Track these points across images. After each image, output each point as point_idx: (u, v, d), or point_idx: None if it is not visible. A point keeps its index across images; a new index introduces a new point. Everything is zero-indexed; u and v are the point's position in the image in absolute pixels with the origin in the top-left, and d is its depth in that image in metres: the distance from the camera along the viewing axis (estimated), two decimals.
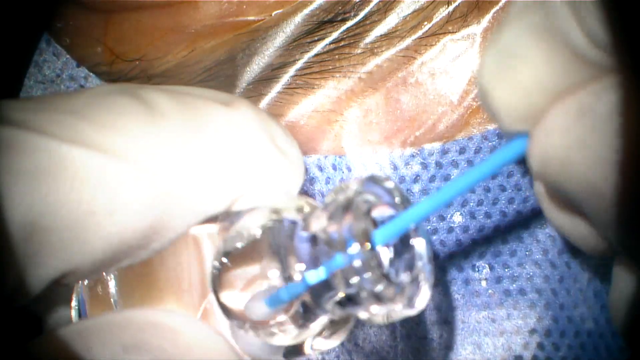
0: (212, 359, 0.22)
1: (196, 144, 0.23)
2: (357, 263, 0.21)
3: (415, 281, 0.22)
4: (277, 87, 0.33)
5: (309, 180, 0.33)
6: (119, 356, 0.21)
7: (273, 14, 0.34)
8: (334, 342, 0.24)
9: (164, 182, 0.22)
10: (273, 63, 0.33)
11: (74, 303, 0.26)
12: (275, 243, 0.22)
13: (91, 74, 0.35)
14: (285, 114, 0.33)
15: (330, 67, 0.33)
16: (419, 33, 0.32)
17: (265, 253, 0.23)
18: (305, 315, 0.23)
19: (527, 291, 0.34)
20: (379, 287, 0.21)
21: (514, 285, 0.34)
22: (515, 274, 0.34)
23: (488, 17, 0.32)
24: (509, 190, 0.33)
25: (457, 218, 0.33)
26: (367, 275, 0.21)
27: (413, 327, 0.34)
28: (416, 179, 0.33)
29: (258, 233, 0.23)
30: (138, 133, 0.22)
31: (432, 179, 0.33)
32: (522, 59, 0.19)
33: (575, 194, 0.19)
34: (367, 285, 0.21)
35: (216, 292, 0.23)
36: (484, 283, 0.34)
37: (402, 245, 0.22)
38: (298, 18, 0.33)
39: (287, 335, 0.23)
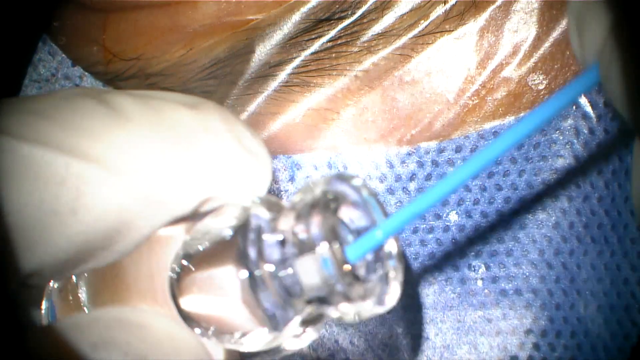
0: (180, 354, 0.22)
1: (162, 146, 0.22)
2: (326, 265, 0.21)
3: (384, 279, 0.22)
4: (274, 85, 0.33)
5: (305, 178, 0.33)
6: (88, 356, 0.20)
7: (271, 12, 0.34)
8: (305, 341, 0.24)
9: (128, 183, 0.22)
10: (270, 61, 0.33)
11: (44, 306, 0.26)
12: (242, 244, 0.22)
13: (86, 73, 0.35)
14: (281, 111, 0.33)
15: (327, 66, 0.33)
16: (416, 31, 0.32)
17: (231, 254, 0.22)
18: (276, 318, 0.22)
19: (523, 291, 0.34)
20: (349, 287, 0.21)
21: (510, 285, 0.34)
22: (511, 274, 0.34)
23: (485, 15, 0.32)
24: (506, 190, 0.33)
25: (453, 217, 0.33)
26: (337, 276, 0.21)
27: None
28: (412, 177, 0.33)
29: (224, 233, 0.22)
30: (103, 134, 0.22)
31: (428, 177, 0.33)
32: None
33: None
34: (336, 285, 0.21)
35: (175, 297, 0.22)
36: (480, 283, 0.34)
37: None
38: (296, 16, 0.33)
39: (258, 341, 0.23)
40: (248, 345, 0.23)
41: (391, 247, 0.22)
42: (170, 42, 0.35)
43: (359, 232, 0.22)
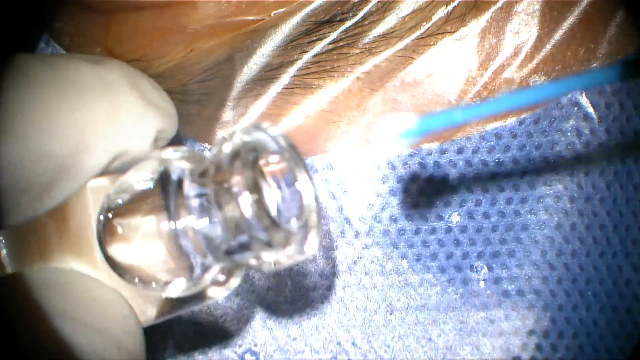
0: (102, 310, 0.22)
1: (64, 103, 0.23)
2: (247, 212, 0.21)
3: (304, 227, 0.22)
4: (276, 87, 0.33)
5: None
6: (13, 315, 0.20)
7: (272, 14, 0.34)
8: (228, 289, 0.24)
9: (30, 142, 0.22)
10: (271, 63, 0.33)
11: None
12: (163, 194, 0.22)
13: None
14: (283, 114, 0.33)
15: (329, 68, 0.33)
16: (418, 33, 0.32)
17: (153, 205, 0.23)
18: (195, 267, 0.23)
19: (525, 292, 0.34)
20: (269, 234, 0.21)
21: (513, 286, 0.34)
22: (513, 275, 0.34)
23: (486, 16, 0.32)
24: (508, 191, 0.33)
25: (455, 218, 0.33)
26: (258, 224, 0.21)
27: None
28: (414, 178, 0.33)
29: (145, 186, 0.23)
30: (10, 97, 0.22)
31: (430, 178, 0.33)
32: None
33: None
34: (258, 233, 0.21)
35: (102, 246, 0.23)
36: (482, 284, 0.34)
37: (290, 190, 0.23)
38: (297, 18, 0.33)
39: (179, 287, 0.23)
40: (170, 292, 0.23)
41: (308, 192, 0.22)
42: (171, 44, 0.35)
43: (278, 182, 0.22)
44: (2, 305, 0.21)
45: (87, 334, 0.20)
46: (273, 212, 0.22)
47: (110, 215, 0.23)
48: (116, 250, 0.23)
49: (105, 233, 0.23)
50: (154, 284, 0.23)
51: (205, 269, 0.23)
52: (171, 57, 0.35)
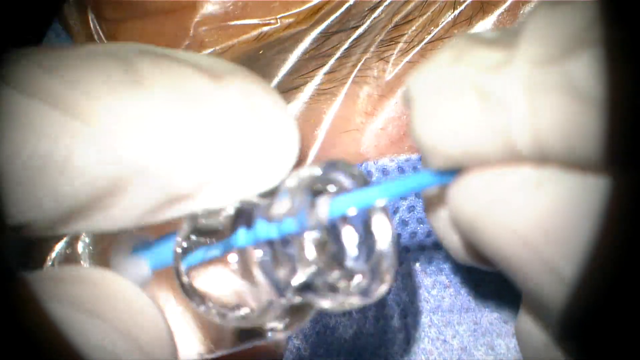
0: (132, 315, 0.22)
1: (172, 118, 0.22)
2: (311, 254, 0.21)
3: (374, 270, 0.22)
4: (290, 96, 0.33)
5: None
6: (44, 306, 0.20)
7: (278, 17, 0.34)
8: (292, 329, 0.24)
9: (123, 149, 0.21)
10: (286, 71, 0.33)
11: (48, 261, 0.26)
12: (237, 227, 0.22)
13: None
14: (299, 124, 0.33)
15: (339, 76, 0.33)
16: (427, 38, 0.32)
17: (228, 234, 0.23)
18: (264, 301, 0.23)
19: None
20: (334, 276, 0.21)
21: None
22: None
23: (493, 19, 0.32)
24: None
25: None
26: (325, 265, 0.21)
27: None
28: None
29: (223, 214, 0.23)
30: (107, 96, 0.21)
31: None
32: (456, 107, 0.19)
33: (483, 250, 0.20)
34: (322, 273, 0.21)
35: (177, 271, 0.23)
36: (496, 285, 0.34)
37: (365, 231, 0.22)
38: (309, 30, 0.33)
39: (242, 316, 0.23)
40: (232, 320, 0.23)
41: (383, 235, 0.22)
42: (178, 49, 0.35)
43: (354, 223, 0.22)
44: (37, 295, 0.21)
45: (105, 330, 0.20)
46: (345, 253, 0.22)
47: (194, 238, 0.23)
48: (193, 275, 0.23)
49: (183, 258, 0.23)
50: (217, 310, 0.23)
51: (272, 303, 0.23)
52: None
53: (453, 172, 0.20)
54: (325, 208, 0.21)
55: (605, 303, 0.17)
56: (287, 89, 0.33)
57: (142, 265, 0.24)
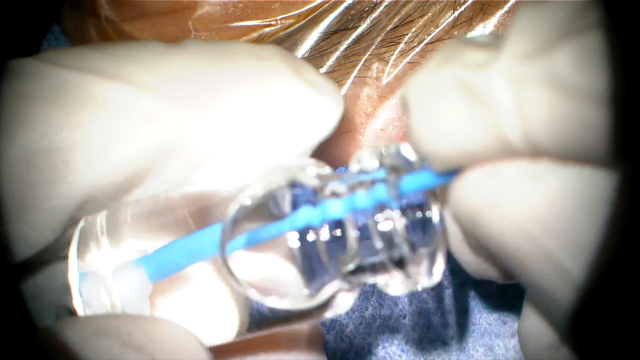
0: (180, 352, 0.22)
1: (226, 97, 0.23)
2: (386, 224, 0.21)
3: (432, 253, 0.22)
4: None
5: None
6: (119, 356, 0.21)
7: (278, 18, 0.34)
8: (341, 308, 0.24)
9: (185, 117, 0.22)
10: None
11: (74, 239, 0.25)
12: (292, 206, 0.22)
13: None
14: None
15: (339, 76, 0.33)
16: (427, 39, 0.32)
17: (282, 214, 0.23)
18: (316, 281, 0.23)
19: None
20: (405, 251, 0.21)
21: None
22: None
23: (494, 20, 0.32)
24: None
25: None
26: (396, 237, 0.21)
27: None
28: None
29: (276, 194, 0.23)
30: (151, 63, 0.23)
31: None
32: (448, 108, 0.19)
33: (485, 244, 0.20)
34: (393, 248, 0.21)
35: (223, 253, 0.23)
36: (494, 285, 0.34)
37: (423, 218, 0.22)
38: (308, 30, 0.33)
39: (296, 301, 0.23)
40: (287, 303, 0.23)
41: (440, 227, 0.22)
42: None
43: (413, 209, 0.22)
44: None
45: None
46: (410, 231, 0.22)
47: (238, 220, 0.23)
48: (239, 257, 0.23)
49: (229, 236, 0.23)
50: (265, 293, 0.23)
51: (323, 285, 0.23)
52: None
53: (453, 172, 0.20)
54: (401, 185, 0.22)
55: (610, 296, 0.17)
56: None
57: (142, 276, 0.23)
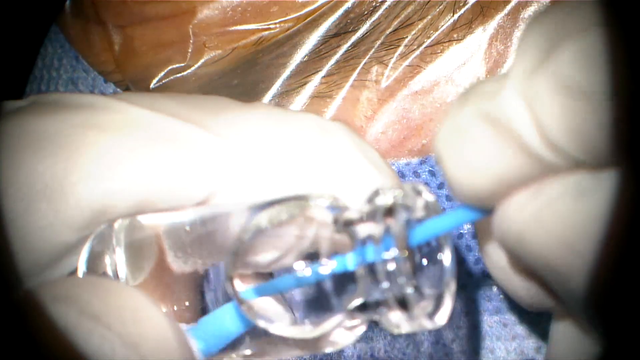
0: (134, 321, 0.21)
1: (284, 162, 0.24)
2: (391, 265, 0.21)
3: (439, 296, 0.22)
4: (288, 99, 0.33)
5: None
6: (72, 321, 0.20)
7: (277, 22, 0.34)
8: (345, 342, 0.24)
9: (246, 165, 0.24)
10: (284, 75, 0.33)
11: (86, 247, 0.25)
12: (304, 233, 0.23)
13: (117, 88, 0.36)
14: None
15: (338, 80, 0.33)
16: (426, 42, 0.32)
17: (293, 245, 0.23)
18: (319, 314, 0.23)
19: None
20: (408, 291, 0.21)
21: None
22: None
23: (493, 23, 0.32)
24: None
25: (467, 224, 0.33)
26: (400, 277, 0.21)
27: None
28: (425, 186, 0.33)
29: (290, 223, 0.23)
30: (238, 124, 0.24)
31: (440, 186, 0.33)
32: (474, 143, 0.19)
33: (532, 264, 0.20)
34: (397, 288, 0.21)
35: (230, 280, 0.23)
36: (495, 288, 0.34)
37: (427, 259, 0.22)
38: (307, 33, 0.33)
39: (287, 327, 0.23)
40: (277, 328, 0.23)
41: (449, 264, 0.22)
42: (177, 54, 0.35)
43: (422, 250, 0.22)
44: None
45: (106, 336, 0.20)
46: (419, 276, 0.22)
47: (243, 250, 0.23)
48: (240, 284, 0.23)
49: (234, 267, 0.23)
50: (267, 319, 0.23)
51: (325, 318, 0.22)
52: (177, 68, 0.35)
53: (487, 211, 0.20)
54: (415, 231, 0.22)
55: None
56: (285, 93, 0.33)
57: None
